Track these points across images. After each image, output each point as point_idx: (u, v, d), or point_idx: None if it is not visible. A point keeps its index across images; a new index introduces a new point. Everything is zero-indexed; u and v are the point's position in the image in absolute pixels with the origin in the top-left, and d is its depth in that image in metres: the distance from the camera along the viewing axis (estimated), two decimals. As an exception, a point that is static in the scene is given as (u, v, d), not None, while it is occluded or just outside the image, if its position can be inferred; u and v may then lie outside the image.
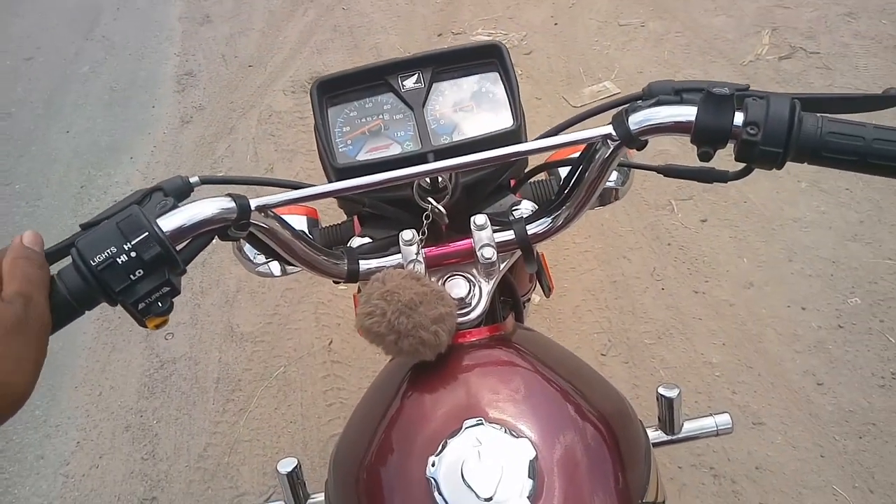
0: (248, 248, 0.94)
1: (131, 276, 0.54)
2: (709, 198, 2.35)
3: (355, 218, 0.89)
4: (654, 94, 0.63)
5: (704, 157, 0.60)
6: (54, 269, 0.57)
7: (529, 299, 1.04)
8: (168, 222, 0.57)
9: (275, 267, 0.96)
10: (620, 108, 0.64)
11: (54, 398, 2.10)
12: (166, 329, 2.24)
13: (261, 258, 0.94)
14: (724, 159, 0.64)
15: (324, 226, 0.93)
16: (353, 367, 2.05)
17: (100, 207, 2.72)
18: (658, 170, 0.73)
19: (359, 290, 1.12)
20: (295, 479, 0.88)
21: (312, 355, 2.10)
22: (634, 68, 2.93)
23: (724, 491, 1.65)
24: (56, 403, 2.09)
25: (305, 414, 1.96)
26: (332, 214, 1.02)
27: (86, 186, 2.86)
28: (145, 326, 0.58)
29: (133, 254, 0.53)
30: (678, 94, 0.62)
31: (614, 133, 0.63)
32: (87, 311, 0.56)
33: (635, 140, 0.62)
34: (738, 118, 0.58)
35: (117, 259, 0.53)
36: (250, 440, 1.93)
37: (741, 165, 0.63)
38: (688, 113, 0.59)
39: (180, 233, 0.57)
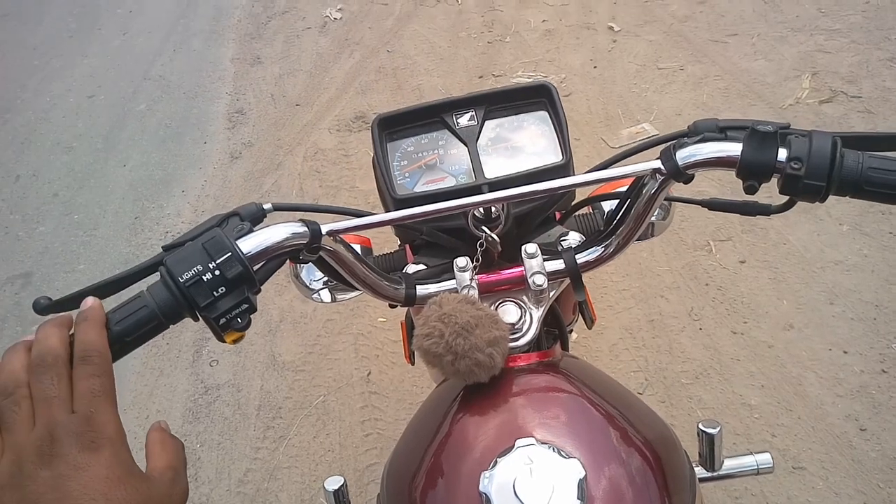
0: (304, 274, 0.99)
1: (214, 293, 0.58)
2: (747, 239, 2.35)
3: (407, 247, 0.93)
4: (700, 131, 0.67)
5: (750, 190, 0.64)
6: (141, 285, 0.62)
7: (572, 330, 1.07)
8: (247, 244, 0.61)
9: (325, 295, 1.01)
10: (667, 143, 0.69)
11: (103, 420, 2.17)
12: (211, 355, 2.31)
13: (316, 284, 0.99)
14: (764, 195, 0.67)
15: (376, 254, 0.98)
16: (390, 399, 2.08)
17: (153, 238, 2.83)
18: (702, 203, 0.77)
19: (406, 319, 1.17)
20: (341, 498, 0.90)
21: (351, 385, 2.14)
22: (673, 110, 2.97)
23: (763, 535, 1.63)
24: (104, 425, 2.16)
25: (343, 443, 1.99)
26: (379, 245, 1.08)
27: (140, 218, 2.97)
28: (223, 341, 0.61)
29: (217, 272, 0.58)
30: (722, 131, 0.66)
31: (662, 167, 0.67)
32: (170, 326, 0.60)
33: (682, 174, 0.66)
34: (782, 154, 0.61)
35: (203, 276, 0.57)
36: (289, 467, 1.96)
37: (783, 199, 0.67)
38: (733, 149, 0.63)
39: (258, 254, 0.62)
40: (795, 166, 0.60)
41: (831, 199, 0.64)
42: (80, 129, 3.63)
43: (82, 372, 0.51)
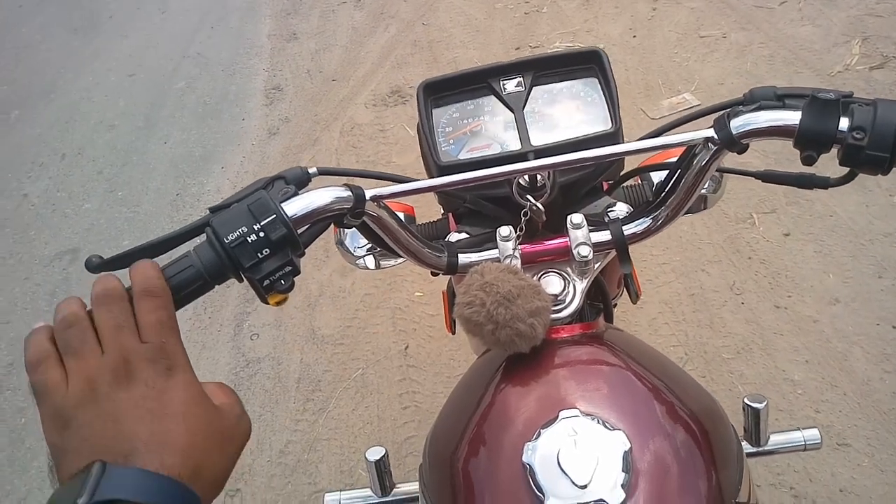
0: (348, 241, 1.00)
1: (259, 255, 0.58)
2: (792, 211, 2.29)
3: (450, 215, 0.93)
4: (756, 99, 0.64)
5: (808, 160, 0.62)
6: (188, 246, 0.63)
7: (616, 304, 1.05)
8: (291, 207, 0.61)
9: (370, 261, 1.01)
10: (721, 112, 0.66)
11: (150, 391, 2.23)
12: (252, 329, 2.35)
13: (360, 251, 0.99)
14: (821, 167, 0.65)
15: (420, 223, 0.98)
16: (427, 372, 2.09)
17: (193, 214, 2.88)
18: (756, 175, 0.74)
19: (447, 288, 1.17)
20: (382, 468, 0.91)
21: (389, 359, 2.16)
22: (715, 80, 2.89)
23: (805, 512, 1.61)
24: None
25: (381, 416, 2.01)
26: (421, 214, 1.08)
27: (181, 194, 3.03)
28: (267, 302, 0.62)
29: (262, 234, 0.58)
30: (780, 98, 0.63)
31: (716, 136, 0.65)
32: (216, 286, 0.61)
33: (737, 143, 0.64)
34: (844, 123, 0.59)
35: (247, 238, 0.58)
36: (328, 439, 1.99)
37: (842, 172, 0.64)
38: (792, 117, 0.61)
39: (302, 217, 0.62)
40: (858, 136, 0.57)
41: None
42: (121, 108, 3.69)
43: (147, 306, 0.52)
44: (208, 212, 0.63)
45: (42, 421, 0.48)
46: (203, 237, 0.61)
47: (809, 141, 0.61)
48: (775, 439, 0.90)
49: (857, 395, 1.78)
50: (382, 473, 0.91)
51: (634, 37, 3.23)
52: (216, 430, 0.51)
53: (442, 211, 0.99)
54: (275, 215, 0.59)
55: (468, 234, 0.84)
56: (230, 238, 0.58)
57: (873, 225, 2.17)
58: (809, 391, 1.81)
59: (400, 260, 1.01)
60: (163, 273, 0.58)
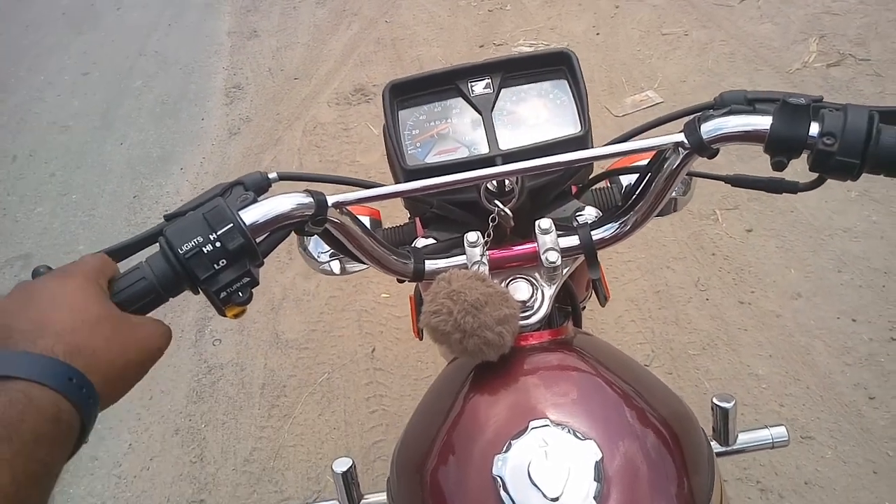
0: (311, 246, 0.97)
1: (215, 266, 0.56)
2: (755, 207, 2.32)
3: (417, 220, 0.91)
4: (727, 104, 0.63)
5: (778, 166, 0.61)
6: (141, 256, 0.60)
7: (584, 307, 1.04)
8: (250, 215, 0.59)
9: (335, 266, 0.99)
10: (692, 116, 0.65)
11: (108, 400, 2.16)
12: (214, 335, 2.30)
13: (324, 256, 0.96)
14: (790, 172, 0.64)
15: (386, 227, 0.95)
16: (395, 375, 2.07)
17: (152, 217, 2.81)
18: (726, 179, 0.74)
19: (415, 293, 1.15)
20: (350, 479, 0.89)
21: (356, 362, 2.13)
22: (678, 77, 2.92)
23: (771, 505, 1.63)
24: (109, 407, 2.15)
25: (349, 420, 1.98)
26: (386, 215, 1.05)
27: (138, 196, 2.95)
28: (224, 315, 0.59)
29: (218, 244, 0.55)
30: (751, 103, 0.62)
31: (686, 141, 0.64)
32: (170, 299, 0.58)
33: (707, 148, 0.63)
34: (814, 128, 0.58)
35: (203, 248, 0.55)
36: (295, 445, 1.96)
37: (813, 176, 0.63)
38: (762, 122, 0.60)
39: (261, 226, 0.59)
40: (828, 142, 0.57)
41: None
42: (76, 108, 3.58)
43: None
44: (164, 219, 0.60)
45: None
46: (156, 247, 0.58)
47: (780, 146, 0.60)
48: (743, 438, 0.90)
49: (819, 388, 1.81)
50: (350, 485, 0.89)
51: (598, 34, 3.24)
52: (109, 320, 0.50)
53: (409, 215, 0.96)
54: (232, 224, 0.56)
55: (435, 239, 0.82)
56: (185, 248, 0.55)
57: (833, 220, 2.21)
58: (773, 385, 1.84)
59: (367, 265, 0.98)
60: (113, 286, 0.56)
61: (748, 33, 3.05)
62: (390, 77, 0.83)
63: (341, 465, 0.88)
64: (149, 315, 0.57)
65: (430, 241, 0.82)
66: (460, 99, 0.83)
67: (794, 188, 0.68)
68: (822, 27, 2.97)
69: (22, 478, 0.39)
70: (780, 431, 0.92)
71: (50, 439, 0.42)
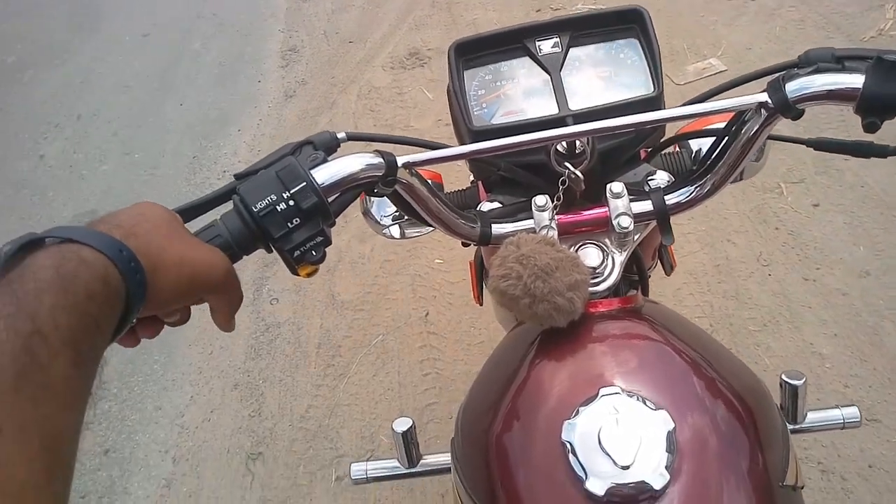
0: (374, 209, 0.97)
1: (289, 224, 0.56)
2: (822, 181, 2.23)
3: (480, 183, 0.90)
4: (813, 62, 0.60)
5: (870, 127, 0.58)
6: (215, 213, 0.60)
7: (651, 276, 1.02)
8: (321, 174, 0.59)
9: (395, 230, 0.98)
10: (776, 75, 0.62)
11: (170, 355, 2.24)
12: (271, 294, 2.34)
13: (386, 220, 0.96)
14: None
15: (448, 191, 0.94)
16: (448, 340, 2.08)
17: (210, 177, 2.86)
18: (808, 143, 0.70)
19: (475, 258, 1.14)
20: (409, 439, 0.90)
21: (409, 325, 2.14)
22: (743, 45, 2.80)
23: (832, 488, 1.58)
24: (172, 360, 2.23)
25: (402, 382, 2.01)
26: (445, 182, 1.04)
27: (198, 157, 3.00)
28: (297, 274, 0.60)
29: (291, 202, 0.55)
30: (839, 61, 0.59)
31: (770, 101, 0.61)
32: (244, 256, 0.58)
33: (792, 108, 0.60)
34: None
35: (277, 206, 0.55)
36: (349, 405, 1.99)
37: None
38: (854, 81, 0.57)
39: (333, 185, 0.59)
40: None
41: None
42: (136, 69, 3.65)
43: None
44: (234, 178, 0.60)
45: None
46: (230, 205, 0.59)
47: (873, 106, 0.57)
48: (813, 417, 0.88)
49: (887, 370, 1.75)
50: (409, 445, 0.90)
51: (661, -2, 3.13)
52: (170, 225, 0.52)
53: (471, 179, 0.95)
54: (305, 183, 0.56)
55: (500, 203, 0.81)
56: (259, 207, 0.55)
57: (907, 196, 2.11)
58: (838, 365, 1.78)
59: (426, 230, 0.98)
60: None
61: (821, -2, 2.90)
62: (445, 41, 0.82)
63: (402, 424, 0.88)
64: None
65: (496, 204, 0.81)
66: (527, 58, 0.80)
67: (883, 152, 0.64)
68: (902, -9, 2.81)
69: (78, 326, 0.42)
70: (852, 412, 0.89)
71: (101, 298, 0.44)
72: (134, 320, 0.49)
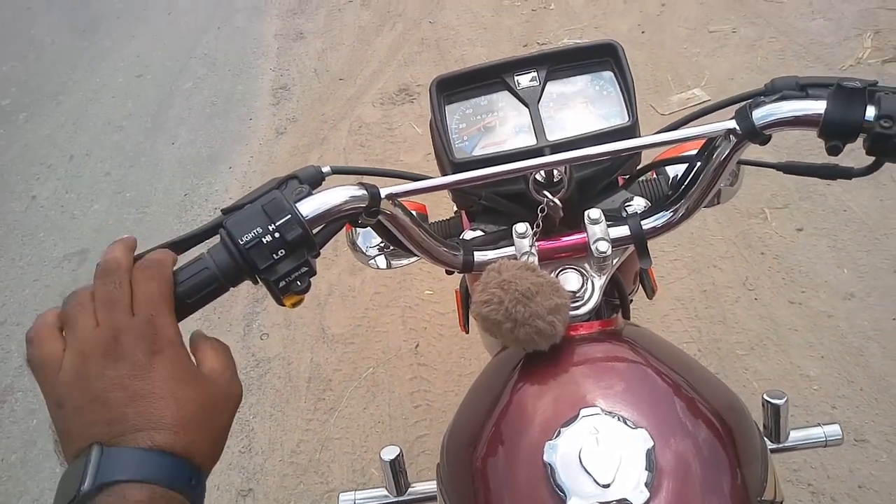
0: (360, 240, 0.99)
1: (274, 256, 0.57)
2: (805, 206, 2.27)
3: (463, 213, 0.92)
4: (778, 89, 0.63)
5: (833, 151, 0.60)
6: (201, 248, 0.62)
7: (632, 300, 1.04)
8: (306, 207, 0.60)
9: (381, 261, 1.00)
10: (743, 103, 0.65)
11: (160, 392, 2.22)
12: (262, 329, 2.35)
13: (372, 250, 0.98)
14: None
15: (432, 221, 0.97)
16: (439, 371, 2.08)
17: (202, 214, 2.88)
18: (777, 167, 0.73)
19: (460, 287, 1.16)
20: (397, 468, 0.90)
21: (400, 357, 2.15)
22: (725, 75, 2.87)
23: (823, 509, 1.59)
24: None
25: (393, 414, 2.00)
26: (430, 213, 1.06)
27: (189, 194, 3.03)
28: (283, 304, 0.61)
29: (277, 234, 0.57)
30: (803, 88, 0.62)
31: (738, 127, 0.64)
32: (231, 288, 0.60)
33: (759, 134, 0.63)
34: (871, 111, 0.58)
35: (263, 239, 0.56)
36: (340, 438, 1.99)
37: (866, 162, 0.63)
38: (816, 107, 0.60)
39: (317, 217, 0.61)
40: (885, 125, 0.56)
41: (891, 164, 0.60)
42: (129, 109, 3.70)
43: (141, 276, 0.53)
44: (220, 213, 0.62)
45: (42, 395, 0.51)
46: (216, 238, 0.60)
47: (835, 131, 0.59)
48: (795, 435, 0.89)
49: (874, 390, 1.76)
50: (397, 473, 0.90)
51: (643, 32, 3.21)
52: (206, 403, 0.52)
53: (455, 209, 0.98)
54: (290, 215, 0.58)
55: (483, 231, 0.83)
56: (245, 239, 0.56)
57: (888, 219, 2.15)
58: (825, 387, 1.80)
59: (411, 259, 1.00)
60: (176, 276, 0.57)
61: (799, 29, 2.98)
62: (434, 77, 0.84)
63: (389, 453, 0.89)
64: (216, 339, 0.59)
65: (478, 233, 0.83)
66: (506, 92, 0.83)
67: (848, 174, 0.67)
68: (876, 22, 2.89)
69: None
70: (833, 430, 0.90)
71: None
72: None
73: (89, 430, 0.48)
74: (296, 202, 0.60)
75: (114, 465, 0.46)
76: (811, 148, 2.37)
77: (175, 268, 0.58)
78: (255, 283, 0.60)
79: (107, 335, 0.50)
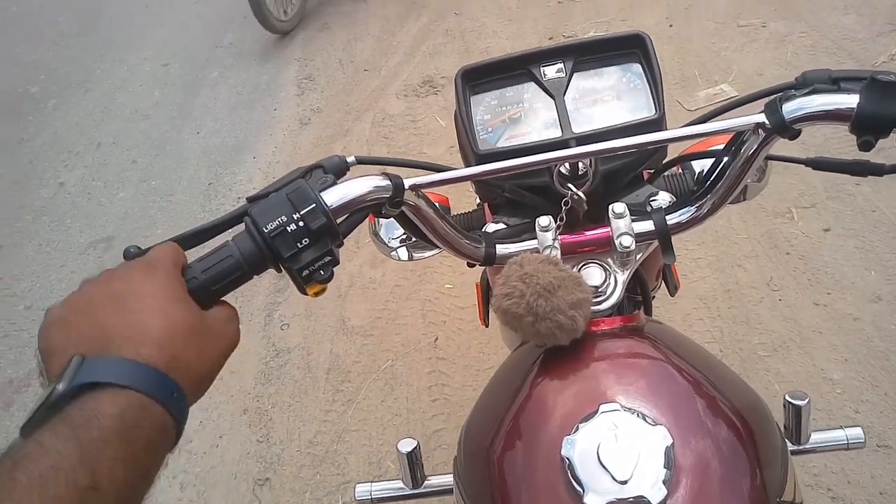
0: (382, 231, 0.99)
1: (298, 244, 0.57)
2: (833, 206, 2.23)
3: (486, 206, 0.91)
4: (810, 83, 0.62)
5: (865, 146, 0.59)
6: (226, 235, 0.62)
7: (654, 296, 1.03)
8: (330, 196, 0.60)
9: (403, 252, 1.00)
10: (773, 96, 0.64)
11: (181, 378, 2.25)
12: (282, 319, 2.36)
13: (394, 242, 0.98)
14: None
15: (455, 213, 0.96)
16: (457, 365, 2.08)
17: (226, 203, 2.91)
18: (806, 162, 0.71)
19: (481, 280, 1.15)
20: (414, 460, 0.90)
21: (419, 351, 2.15)
22: (754, 70, 2.82)
23: (844, 515, 1.57)
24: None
25: (410, 408, 2.01)
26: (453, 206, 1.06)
27: (213, 184, 3.05)
28: (305, 293, 0.61)
29: (301, 223, 0.57)
30: (835, 82, 0.61)
31: (767, 121, 0.63)
32: (255, 276, 0.60)
33: (789, 129, 0.62)
34: None
35: (287, 227, 0.57)
36: (357, 430, 1.99)
37: None
38: (849, 101, 0.58)
39: (341, 207, 0.61)
40: None
41: None
42: (156, 98, 3.73)
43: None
44: (246, 202, 0.62)
45: (39, 336, 0.51)
46: (241, 227, 0.61)
47: (867, 126, 0.58)
48: (817, 437, 0.87)
49: (899, 395, 1.73)
50: (414, 465, 0.90)
51: (671, 26, 3.17)
52: (197, 329, 0.53)
53: (477, 201, 0.97)
54: (314, 204, 0.58)
55: (505, 224, 0.82)
56: (269, 227, 0.57)
57: (918, 220, 2.11)
58: (849, 390, 1.77)
59: (432, 252, 1.00)
60: (201, 263, 0.58)
61: (830, 25, 2.93)
62: (459, 67, 0.84)
63: (406, 445, 0.89)
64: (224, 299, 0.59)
65: (501, 226, 0.82)
66: (532, 84, 0.82)
67: (879, 170, 0.65)
68: (912, 18, 2.83)
69: (132, 478, 0.44)
70: (856, 433, 0.88)
71: (156, 446, 0.46)
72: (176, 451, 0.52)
73: (74, 343, 0.48)
74: (320, 191, 0.60)
75: (93, 370, 0.46)
76: (841, 147, 2.33)
77: (196, 258, 0.59)
78: (279, 271, 0.60)
79: (111, 273, 0.54)
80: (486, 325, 1.22)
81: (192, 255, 0.60)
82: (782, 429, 0.84)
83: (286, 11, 3.76)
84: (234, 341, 0.57)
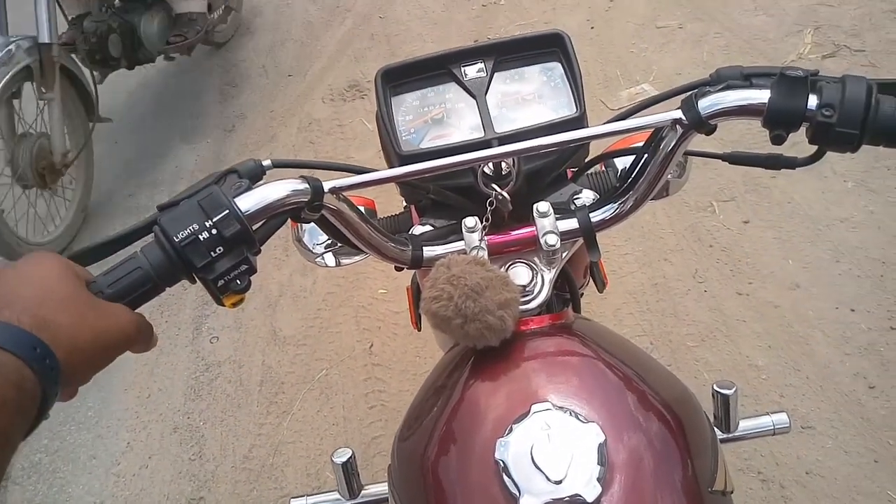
0: (306, 237, 0.96)
1: (212, 253, 0.55)
2: (751, 199, 2.32)
3: (412, 208, 0.90)
4: (723, 79, 0.63)
5: (777, 140, 0.61)
6: (135, 247, 0.59)
7: (583, 293, 1.04)
8: (245, 202, 0.58)
9: (329, 258, 0.98)
10: (688, 93, 0.65)
11: (105, 400, 2.15)
12: (211, 332, 2.29)
13: (319, 248, 0.96)
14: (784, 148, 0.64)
15: (381, 216, 0.94)
16: (393, 370, 2.06)
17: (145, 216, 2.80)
18: (723, 157, 0.73)
19: (412, 283, 1.14)
20: (350, 470, 0.89)
21: (353, 358, 2.12)
22: (673, 70, 2.91)
23: (773, 496, 1.62)
24: (107, 406, 2.15)
25: (347, 416, 1.97)
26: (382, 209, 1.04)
27: (134, 195, 2.94)
28: (222, 304, 0.58)
29: (214, 231, 0.55)
30: (747, 78, 0.62)
31: (684, 117, 0.63)
32: (167, 289, 0.57)
33: (705, 124, 0.63)
34: (813, 101, 0.58)
35: (199, 236, 0.54)
36: (294, 442, 1.95)
37: (810, 151, 0.63)
38: (760, 96, 0.60)
39: (257, 213, 0.59)
40: (827, 113, 0.57)
41: (834, 155, 0.61)
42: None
43: None
44: (157, 210, 0.59)
45: None
46: (151, 237, 0.57)
47: (778, 120, 0.60)
48: (745, 425, 0.90)
49: (819, 378, 1.81)
50: (350, 475, 0.89)
51: (592, 28, 3.24)
52: (77, 297, 0.51)
53: (404, 204, 0.96)
54: (227, 211, 0.56)
55: (432, 226, 0.81)
56: (180, 237, 0.54)
57: (830, 211, 2.21)
58: (773, 376, 1.83)
59: (361, 256, 0.98)
60: (107, 277, 0.55)
61: (743, 25, 3.05)
62: (380, 67, 0.82)
63: (341, 455, 0.87)
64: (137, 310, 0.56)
65: (428, 227, 0.81)
66: (454, 84, 0.82)
67: (792, 163, 0.67)
68: (816, 18, 2.97)
69: None
70: (781, 418, 0.92)
71: (13, 406, 0.42)
72: (48, 416, 0.48)
73: None
74: (234, 197, 0.58)
75: None
76: (757, 143, 2.43)
77: (101, 272, 0.56)
78: (193, 282, 0.57)
79: None
80: (419, 329, 1.21)
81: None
82: (711, 418, 0.86)
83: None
84: (126, 331, 0.54)
